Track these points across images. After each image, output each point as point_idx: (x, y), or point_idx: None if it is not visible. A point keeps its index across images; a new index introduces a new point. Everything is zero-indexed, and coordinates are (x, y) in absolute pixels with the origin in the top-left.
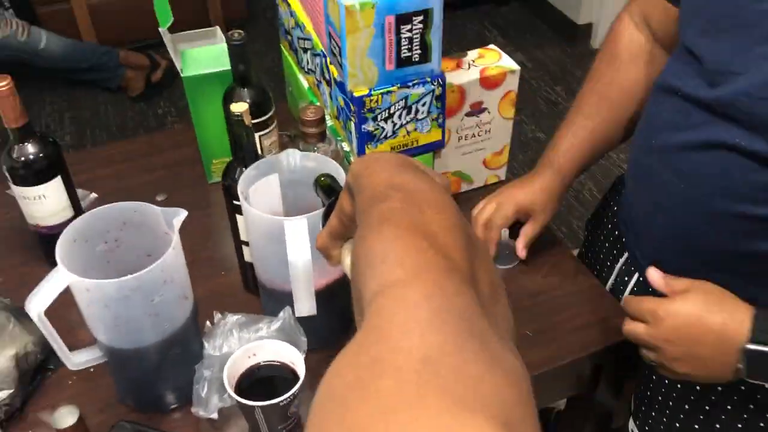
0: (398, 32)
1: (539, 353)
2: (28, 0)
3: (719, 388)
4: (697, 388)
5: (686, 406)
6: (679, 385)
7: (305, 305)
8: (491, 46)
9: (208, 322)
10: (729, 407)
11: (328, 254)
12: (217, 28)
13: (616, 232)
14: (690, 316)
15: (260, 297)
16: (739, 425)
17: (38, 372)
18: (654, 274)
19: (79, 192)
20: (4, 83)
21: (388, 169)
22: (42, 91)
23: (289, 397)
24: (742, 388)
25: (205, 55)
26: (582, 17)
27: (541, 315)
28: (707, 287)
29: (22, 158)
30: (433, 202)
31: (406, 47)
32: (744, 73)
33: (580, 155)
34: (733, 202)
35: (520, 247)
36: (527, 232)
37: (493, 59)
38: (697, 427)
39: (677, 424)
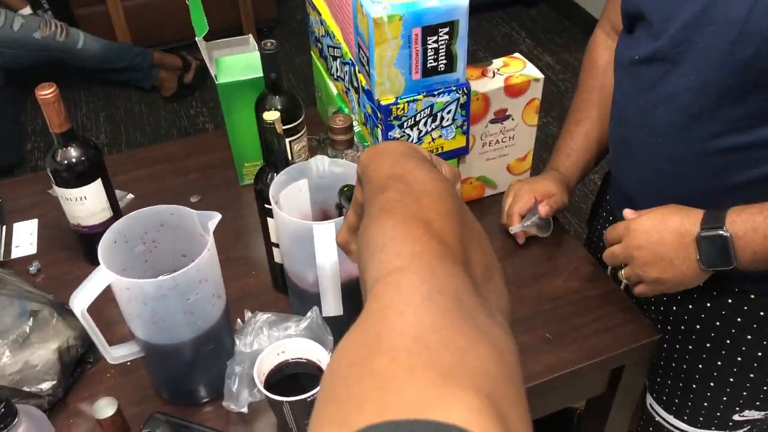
0: (424, 43)
1: (559, 356)
2: (67, 2)
3: (723, 352)
4: (704, 356)
5: (697, 376)
6: (688, 356)
7: (332, 305)
8: (516, 54)
9: (239, 320)
10: (735, 369)
11: (347, 249)
12: (250, 36)
13: (611, 218)
14: (653, 220)
15: (289, 296)
16: (747, 384)
17: (79, 365)
18: (627, 211)
19: (118, 193)
20: (50, 90)
21: (392, 160)
22: (78, 90)
23: (315, 393)
24: (743, 348)
25: (238, 62)
26: None
27: (562, 318)
28: (668, 205)
29: (65, 161)
30: (431, 191)
31: (432, 57)
32: (681, 16)
33: (581, 159)
34: (712, 140)
35: (542, 210)
36: (549, 202)
37: (517, 68)
38: (709, 394)
39: (691, 395)
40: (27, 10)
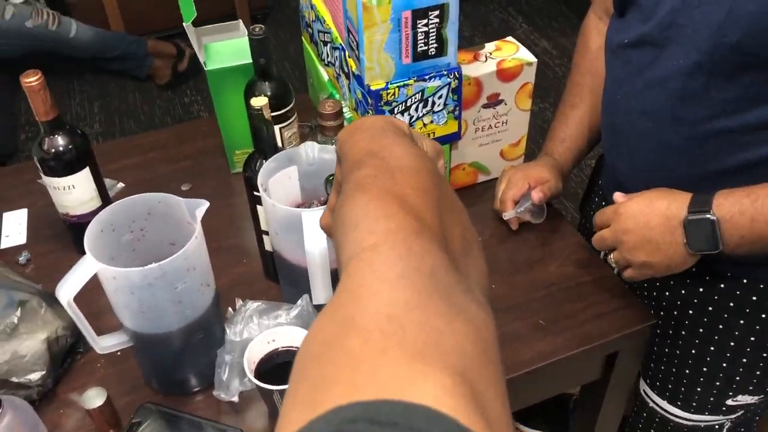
0: (414, 27)
1: (552, 342)
2: None
3: (716, 337)
4: (697, 341)
5: (690, 361)
6: (680, 342)
7: (322, 293)
8: (509, 38)
9: (230, 309)
10: (728, 354)
11: (330, 232)
12: (240, 21)
13: (603, 203)
14: (641, 204)
15: (280, 284)
16: (740, 369)
17: (68, 355)
18: (617, 194)
19: (107, 181)
20: (34, 78)
21: (369, 136)
22: (72, 80)
23: None
24: (736, 333)
25: (227, 48)
26: None
27: (555, 304)
28: (656, 189)
29: (53, 150)
30: (407, 166)
31: (423, 41)
32: None
33: (575, 145)
34: (702, 124)
35: (535, 196)
36: (543, 188)
37: (510, 51)
38: (702, 379)
39: (684, 380)
40: None
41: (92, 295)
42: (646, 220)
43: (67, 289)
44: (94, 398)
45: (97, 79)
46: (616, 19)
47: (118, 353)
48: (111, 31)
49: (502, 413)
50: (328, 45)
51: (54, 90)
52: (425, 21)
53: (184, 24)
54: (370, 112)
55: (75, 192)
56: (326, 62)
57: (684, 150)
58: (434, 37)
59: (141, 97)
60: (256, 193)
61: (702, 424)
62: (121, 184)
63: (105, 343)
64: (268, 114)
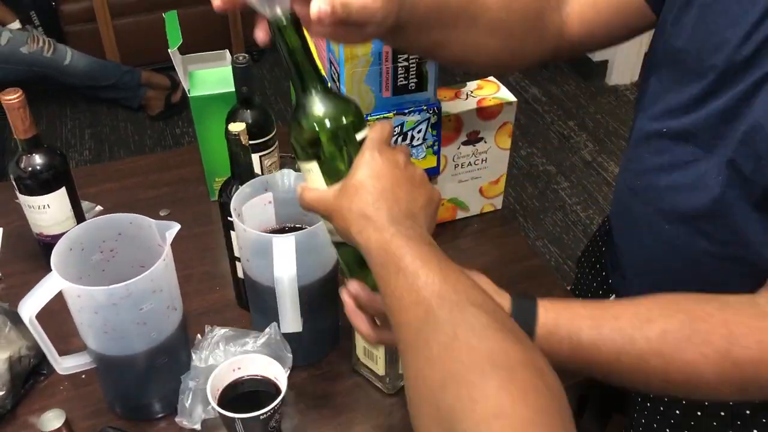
0: (395, 61)
1: None
2: (57, 19)
3: (699, 414)
4: (677, 412)
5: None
6: (677, 412)
7: (290, 322)
8: (490, 77)
9: (198, 335)
10: (714, 423)
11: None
12: (226, 51)
13: (604, 273)
14: None
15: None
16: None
17: (31, 376)
18: None
19: (85, 204)
20: (15, 96)
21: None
22: (64, 107)
23: (268, 411)
24: (722, 414)
25: (212, 76)
26: (597, 54)
27: None
28: None
29: (29, 168)
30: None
31: (403, 75)
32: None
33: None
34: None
35: None
36: None
37: (491, 90)
38: None
39: None
40: (16, 25)
41: (61, 316)
42: None
43: (30, 306)
44: (52, 420)
45: (90, 107)
46: (651, 102)
47: (83, 376)
48: (105, 60)
49: None
50: None
51: (46, 116)
52: (405, 56)
53: (169, 50)
54: None
55: (50, 211)
56: None
57: (695, 265)
58: (414, 72)
59: (132, 127)
60: (229, 218)
61: None
62: (99, 207)
63: (67, 364)
64: (245, 140)
